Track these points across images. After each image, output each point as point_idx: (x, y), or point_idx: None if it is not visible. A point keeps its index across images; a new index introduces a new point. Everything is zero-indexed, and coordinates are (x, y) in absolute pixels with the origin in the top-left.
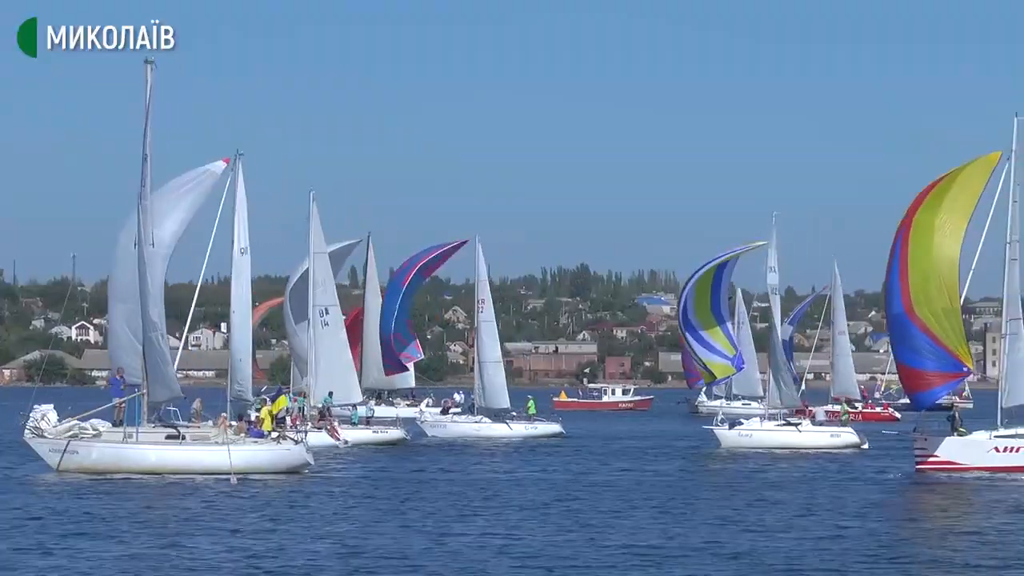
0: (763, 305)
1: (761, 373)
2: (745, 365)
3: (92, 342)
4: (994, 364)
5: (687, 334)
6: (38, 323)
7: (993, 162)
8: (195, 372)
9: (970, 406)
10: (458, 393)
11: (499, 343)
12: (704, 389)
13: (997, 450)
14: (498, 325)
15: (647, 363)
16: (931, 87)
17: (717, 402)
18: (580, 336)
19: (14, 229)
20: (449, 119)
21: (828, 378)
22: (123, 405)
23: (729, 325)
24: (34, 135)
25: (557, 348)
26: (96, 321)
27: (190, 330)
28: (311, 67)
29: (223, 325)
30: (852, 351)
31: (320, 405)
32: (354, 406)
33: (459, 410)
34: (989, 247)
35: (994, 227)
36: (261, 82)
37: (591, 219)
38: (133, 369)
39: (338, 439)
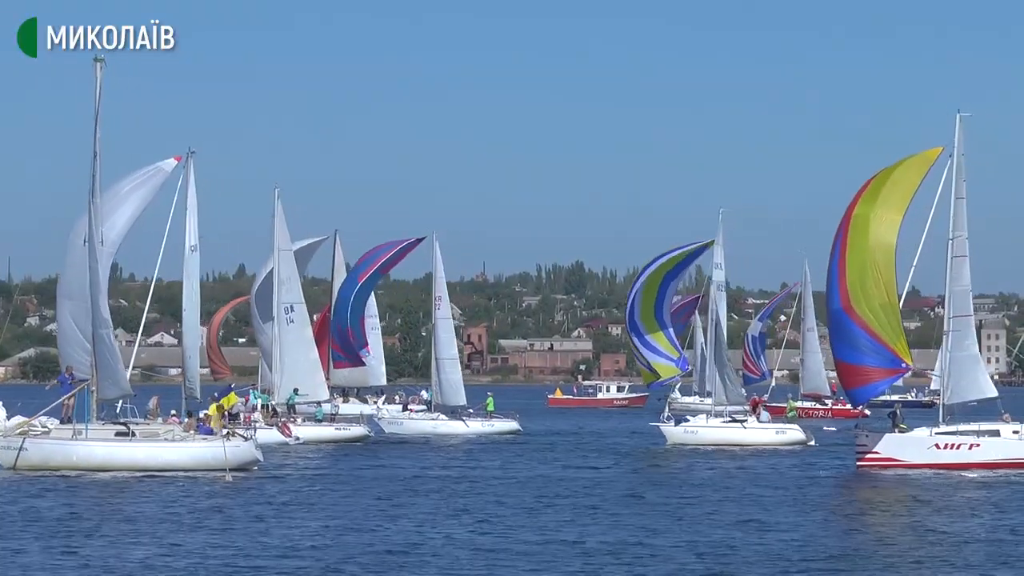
0: (759, 302)
1: (740, 369)
2: (689, 366)
3: None
4: (989, 361)
5: (632, 335)
6: (33, 320)
7: (931, 158)
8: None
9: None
10: (426, 391)
11: (454, 341)
12: (678, 386)
13: (938, 447)
14: (493, 322)
15: None
16: (930, 83)
17: (691, 398)
18: (575, 333)
19: (9, 227)
20: (445, 116)
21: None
22: (71, 403)
23: (671, 330)
24: (32, 134)
25: (552, 345)
26: None
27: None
28: (297, 62)
29: None
30: None
31: (286, 402)
32: (318, 403)
33: (423, 407)
34: (933, 242)
35: (937, 223)
36: (244, 80)
37: (586, 216)
38: (82, 366)
39: (289, 436)
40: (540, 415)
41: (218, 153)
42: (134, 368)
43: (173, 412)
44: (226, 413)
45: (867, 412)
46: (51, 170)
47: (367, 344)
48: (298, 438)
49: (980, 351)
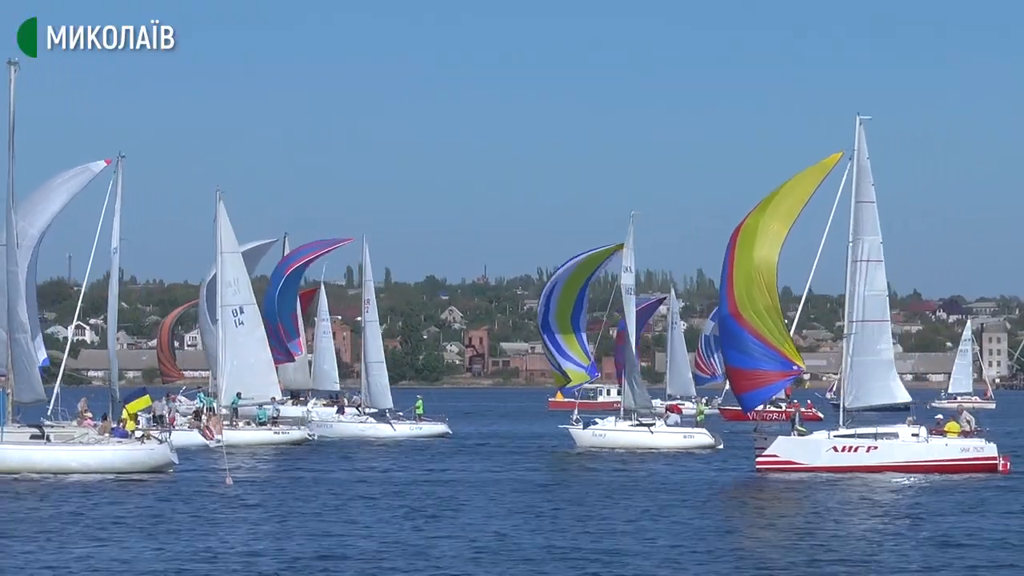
0: None
1: (698, 371)
2: (599, 374)
3: (88, 342)
4: (990, 364)
5: (544, 335)
6: None
7: (829, 165)
8: (190, 372)
9: (992, 406)
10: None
11: (381, 345)
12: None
13: (835, 450)
14: (495, 325)
15: (643, 363)
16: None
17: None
18: None
19: None
20: (445, 116)
21: (824, 378)
22: None
23: (584, 336)
24: (32, 134)
25: None
26: (92, 321)
27: (187, 330)
28: (298, 62)
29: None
30: None
31: (229, 405)
32: (260, 405)
33: (370, 411)
34: (834, 247)
35: (839, 227)
36: (244, 80)
37: (587, 218)
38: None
39: (211, 439)
40: (530, 418)
41: (219, 152)
42: (136, 371)
43: (89, 414)
44: (149, 416)
45: (821, 415)
46: (49, 169)
47: (299, 338)
48: (219, 440)
49: (982, 354)
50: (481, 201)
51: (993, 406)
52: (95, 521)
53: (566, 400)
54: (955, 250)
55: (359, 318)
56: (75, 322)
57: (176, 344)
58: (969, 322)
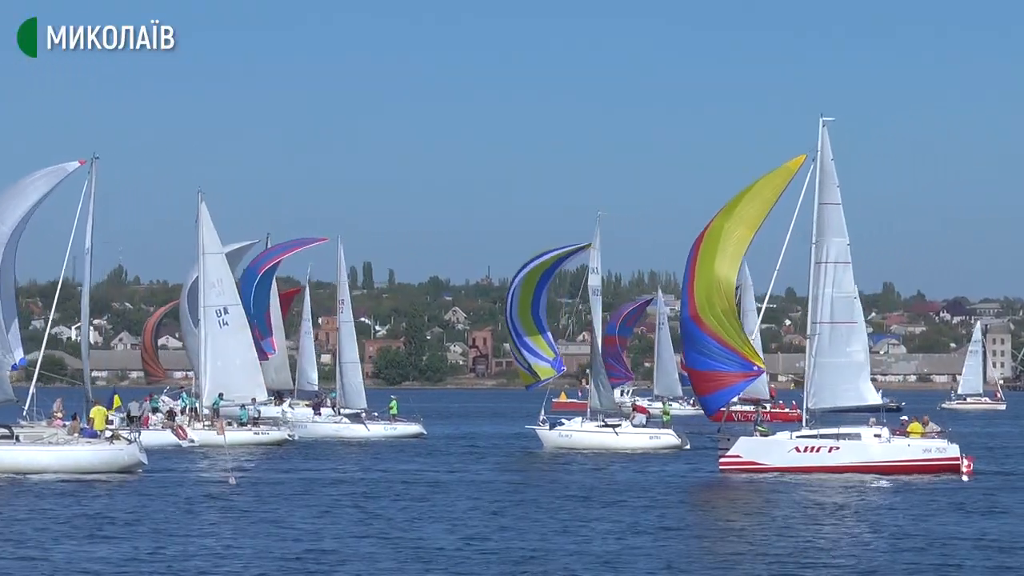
0: (758, 305)
1: (683, 371)
2: (564, 368)
3: (92, 342)
4: (994, 365)
5: (512, 335)
6: (38, 323)
7: (793, 169)
8: (188, 372)
9: (1003, 407)
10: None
11: (356, 345)
12: (628, 390)
13: (798, 450)
14: (498, 326)
15: (647, 364)
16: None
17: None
18: (580, 337)
19: None
20: (445, 116)
21: None
22: None
23: (548, 332)
24: (33, 135)
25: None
26: (96, 322)
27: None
28: (298, 62)
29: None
30: None
31: (211, 406)
32: (242, 406)
33: (346, 411)
34: (799, 248)
35: (803, 228)
36: (244, 80)
37: (586, 219)
38: None
39: (184, 439)
40: (521, 418)
41: (218, 152)
42: (139, 371)
43: (59, 415)
44: (123, 416)
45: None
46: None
47: (271, 337)
48: (192, 441)
49: (985, 356)
50: (482, 201)
51: (1004, 407)
52: (54, 521)
53: (570, 401)
54: (959, 251)
55: (362, 318)
56: (51, 322)
57: (178, 344)
58: (979, 323)
